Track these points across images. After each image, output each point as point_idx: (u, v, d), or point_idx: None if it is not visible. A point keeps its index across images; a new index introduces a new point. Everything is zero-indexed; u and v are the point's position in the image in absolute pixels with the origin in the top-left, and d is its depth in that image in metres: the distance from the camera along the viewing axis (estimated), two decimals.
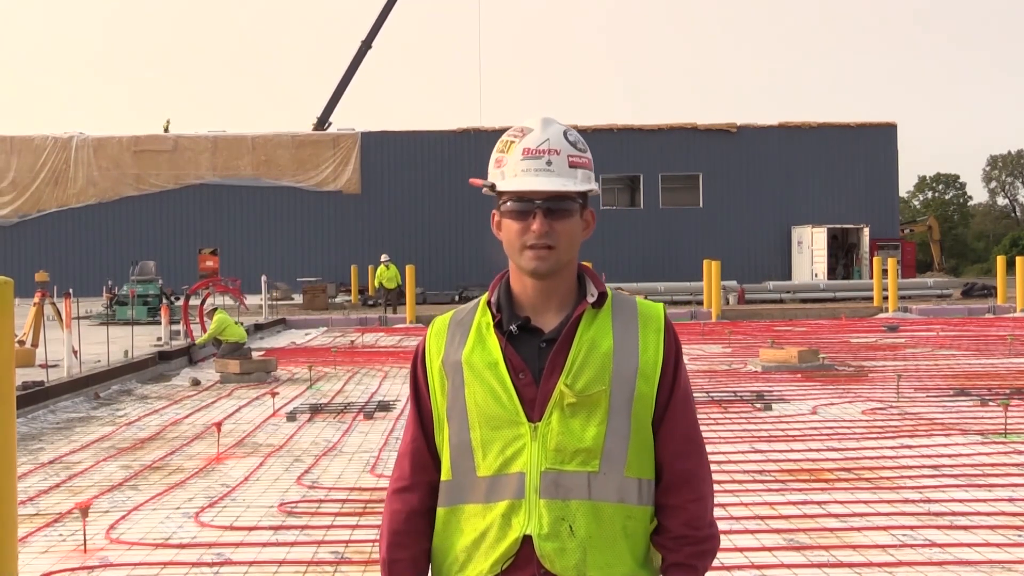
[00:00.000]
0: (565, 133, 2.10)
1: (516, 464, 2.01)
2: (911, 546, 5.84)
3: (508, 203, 2.07)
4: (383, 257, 31.24)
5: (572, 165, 2.07)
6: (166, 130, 43.60)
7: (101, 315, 25.85)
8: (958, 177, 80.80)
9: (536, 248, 2.04)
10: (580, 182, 2.07)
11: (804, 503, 6.86)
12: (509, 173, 2.08)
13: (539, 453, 2.00)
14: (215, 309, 16.52)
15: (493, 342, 2.06)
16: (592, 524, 2.00)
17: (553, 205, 2.04)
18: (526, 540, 1.99)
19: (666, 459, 2.09)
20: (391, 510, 2.15)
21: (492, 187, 2.10)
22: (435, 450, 2.14)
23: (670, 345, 2.12)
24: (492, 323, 2.08)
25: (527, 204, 2.05)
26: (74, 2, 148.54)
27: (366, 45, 44.33)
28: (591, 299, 2.09)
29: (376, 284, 31.20)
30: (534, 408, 2.02)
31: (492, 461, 2.02)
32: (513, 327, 2.06)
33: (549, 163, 2.05)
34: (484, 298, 2.15)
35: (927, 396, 11.72)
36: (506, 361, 2.04)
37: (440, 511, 2.09)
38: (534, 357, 2.05)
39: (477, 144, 42.35)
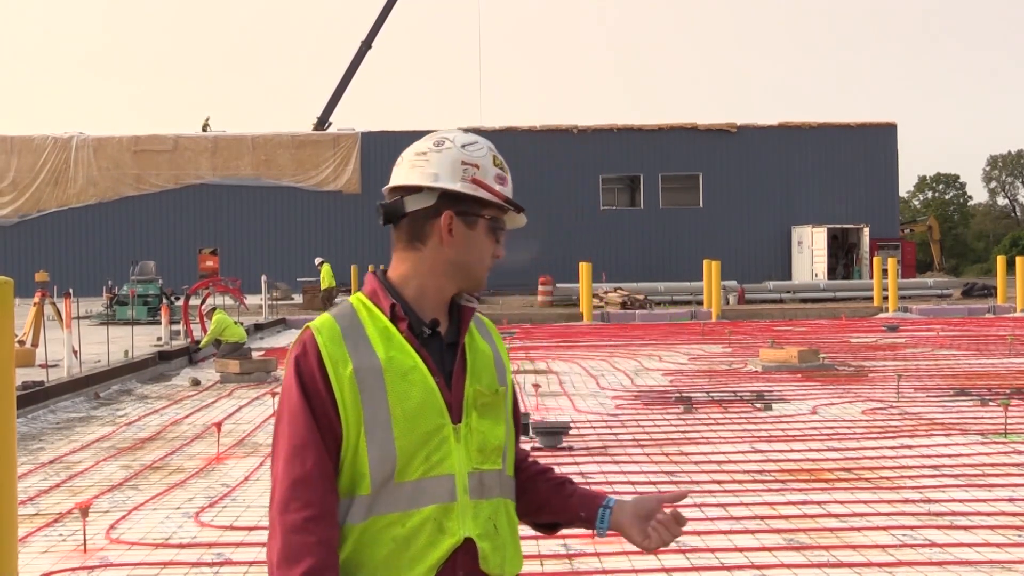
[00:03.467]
0: None
1: (443, 467, 1.99)
2: (911, 546, 5.84)
3: (493, 219, 2.10)
4: (316, 261, 30.92)
5: None
6: (205, 128, 43.60)
7: (101, 315, 25.85)
8: (958, 177, 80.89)
9: (489, 267, 2.13)
10: None
11: (804, 503, 6.86)
12: (509, 194, 2.12)
13: (465, 454, 2.02)
14: (214, 309, 16.52)
15: (406, 346, 2.01)
16: (505, 520, 2.08)
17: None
18: (460, 543, 1.99)
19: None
20: (309, 542, 1.90)
21: (519, 207, 2.14)
22: (336, 470, 1.98)
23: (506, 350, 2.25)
24: (400, 326, 2.03)
25: (501, 227, 2.13)
26: (75, 2, 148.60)
27: (366, 45, 44.35)
28: (470, 304, 2.15)
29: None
30: (452, 410, 2.03)
31: (417, 466, 1.97)
32: (426, 331, 2.06)
33: None
34: (360, 300, 2.08)
35: (927, 396, 11.72)
36: (424, 364, 2.04)
37: (352, 528, 1.96)
38: (440, 360, 2.05)
39: None
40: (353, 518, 1.96)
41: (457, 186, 2.05)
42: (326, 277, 29.74)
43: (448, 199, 2.06)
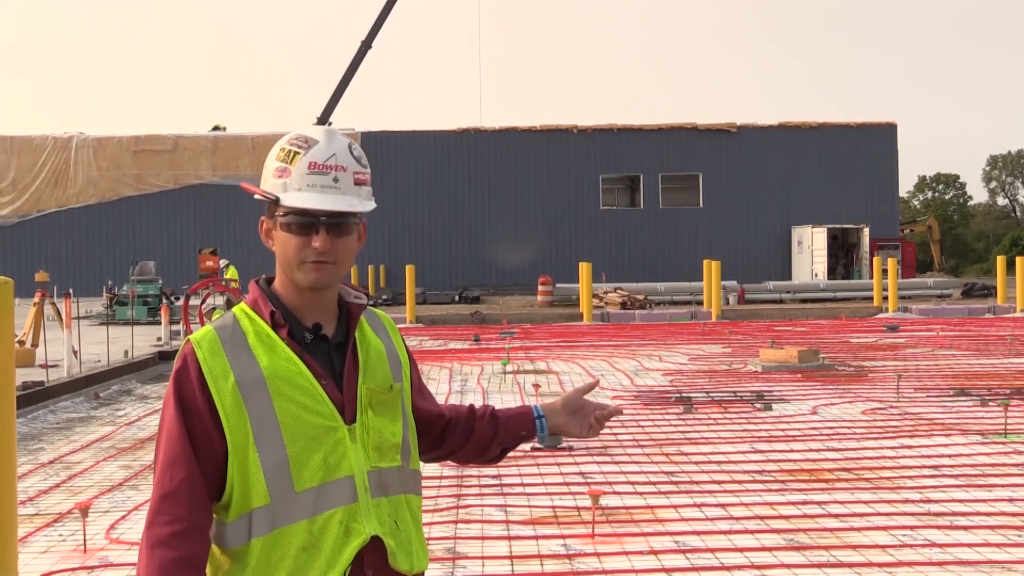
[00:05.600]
0: (350, 148, 2.08)
1: (342, 469, 2.00)
2: (911, 546, 5.84)
3: (289, 216, 2.03)
4: (222, 263, 29.76)
5: (357, 183, 2.07)
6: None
7: (101, 315, 25.85)
8: (958, 177, 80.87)
9: (317, 263, 2.03)
10: (364, 200, 2.08)
11: (804, 503, 6.86)
12: (293, 186, 2.03)
13: (362, 453, 2.04)
14: (213, 310, 16.53)
15: (288, 352, 2.01)
16: (407, 516, 2.11)
17: (336, 221, 2.04)
18: (367, 542, 2.01)
19: (437, 412, 2.31)
20: (173, 557, 1.89)
21: (276, 200, 2.04)
22: (213, 487, 1.98)
23: (405, 342, 2.29)
24: (281, 332, 2.03)
25: (310, 219, 2.02)
26: (75, 2, 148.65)
27: (366, 45, 44.29)
28: (359, 301, 2.14)
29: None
30: (344, 411, 2.03)
31: (314, 472, 1.97)
32: (308, 335, 2.06)
33: (336, 180, 2.04)
34: (243, 310, 2.07)
35: (927, 396, 11.72)
36: (308, 369, 2.03)
37: (257, 542, 1.95)
38: (327, 362, 2.06)
39: (477, 144, 42.36)
40: (257, 532, 1.94)
41: (255, 191, 2.08)
42: (233, 279, 28.26)
43: (267, 204, 2.09)
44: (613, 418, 2.45)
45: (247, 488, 1.95)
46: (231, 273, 28.74)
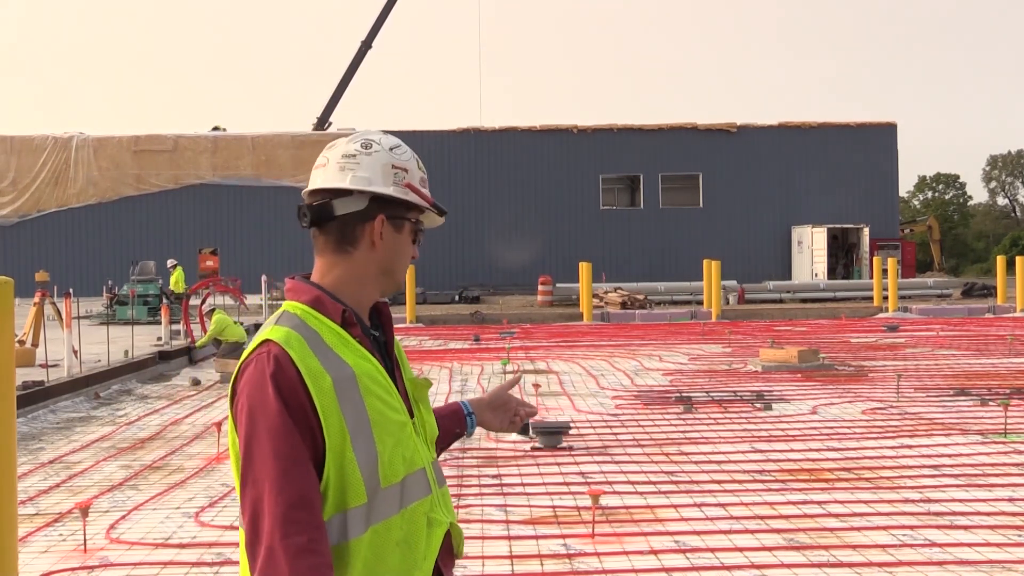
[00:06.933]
0: None
1: (416, 462, 2.04)
2: (911, 546, 5.84)
3: (417, 223, 2.12)
4: (169, 263, 29.01)
5: None
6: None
7: (101, 315, 25.86)
8: (958, 177, 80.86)
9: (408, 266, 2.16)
10: None
11: (804, 503, 6.86)
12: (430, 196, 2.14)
13: (424, 446, 2.09)
14: (213, 310, 16.52)
15: (361, 350, 2.02)
16: (452, 505, 2.17)
17: None
18: (447, 529, 2.08)
19: None
20: (321, 564, 1.84)
21: (442, 210, 2.13)
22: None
23: None
24: (354, 331, 2.03)
25: (422, 227, 2.15)
26: (75, 2, 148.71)
27: (366, 45, 44.32)
28: (382, 299, 2.18)
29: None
30: (406, 406, 2.09)
31: (398, 467, 1.99)
32: (374, 333, 2.10)
33: None
34: (303, 310, 2.02)
35: (927, 396, 11.72)
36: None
37: (356, 542, 1.93)
38: (381, 359, 2.09)
39: (477, 144, 42.35)
40: (354, 532, 1.93)
41: (390, 190, 2.04)
42: (179, 281, 28.03)
43: (378, 203, 2.05)
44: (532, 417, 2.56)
45: (344, 488, 1.92)
46: (177, 274, 28.27)
